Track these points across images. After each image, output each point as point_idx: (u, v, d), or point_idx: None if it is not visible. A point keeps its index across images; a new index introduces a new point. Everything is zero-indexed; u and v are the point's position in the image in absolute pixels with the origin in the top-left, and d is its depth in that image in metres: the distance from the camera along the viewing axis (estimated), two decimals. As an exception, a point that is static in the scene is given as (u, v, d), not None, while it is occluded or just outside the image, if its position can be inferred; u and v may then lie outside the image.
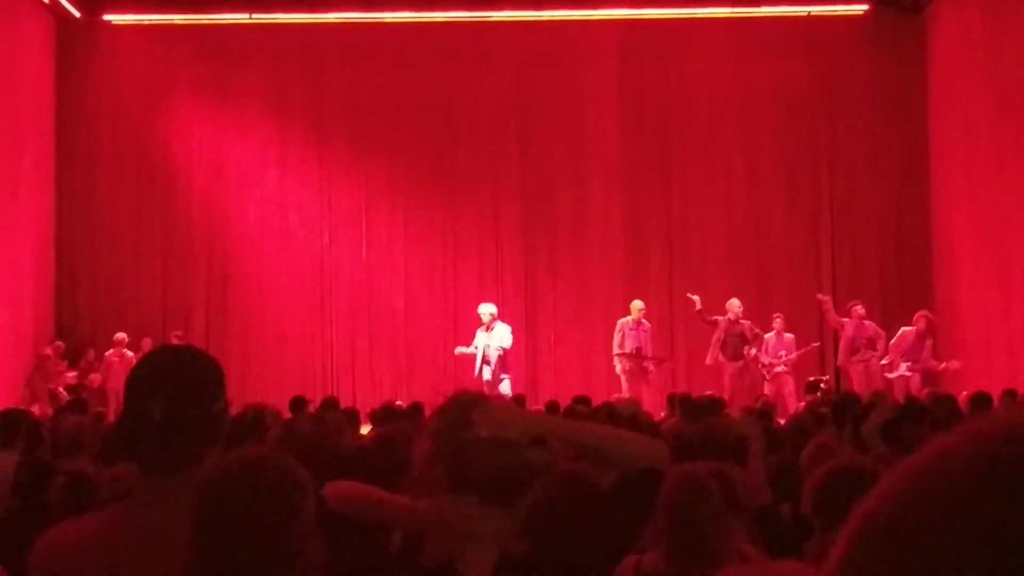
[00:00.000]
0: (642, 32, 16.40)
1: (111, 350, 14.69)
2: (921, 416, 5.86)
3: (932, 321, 13.16)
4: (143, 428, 2.09)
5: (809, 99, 16.38)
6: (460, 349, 14.14)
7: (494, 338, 13.66)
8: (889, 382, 12.92)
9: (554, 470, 2.21)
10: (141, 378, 2.15)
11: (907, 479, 0.67)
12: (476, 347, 13.72)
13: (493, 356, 13.65)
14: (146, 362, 2.23)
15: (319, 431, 6.57)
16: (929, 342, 13.11)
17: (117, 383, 14.34)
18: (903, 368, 12.98)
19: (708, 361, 14.08)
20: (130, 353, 14.62)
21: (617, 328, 14.14)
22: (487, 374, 13.47)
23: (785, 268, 16.13)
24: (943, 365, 13.13)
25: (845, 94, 16.29)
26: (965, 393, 9.58)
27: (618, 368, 14.09)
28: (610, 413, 8.05)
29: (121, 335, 14.74)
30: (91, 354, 15.17)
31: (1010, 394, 9.34)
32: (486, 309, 13.89)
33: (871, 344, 13.50)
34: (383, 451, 4.80)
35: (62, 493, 4.85)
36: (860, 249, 16.21)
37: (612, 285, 16.06)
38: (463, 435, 2.05)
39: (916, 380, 12.93)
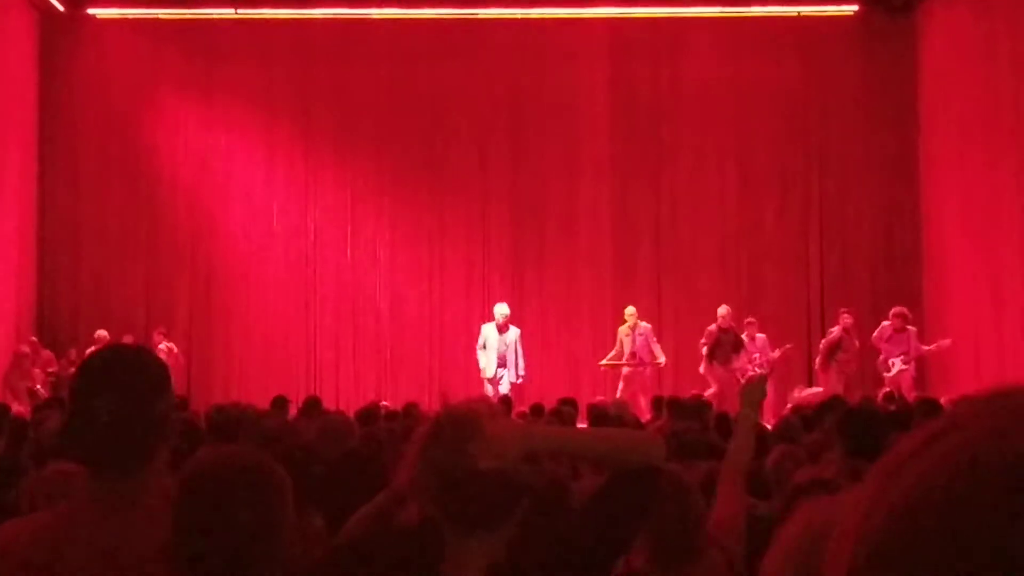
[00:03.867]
0: (632, 31, 16.31)
1: (92, 348, 14.52)
2: (889, 425, 5.74)
3: (907, 314, 13.37)
4: (88, 428, 2.08)
5: (800, 99, 16.31)
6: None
7: (510, 341, 13.83)
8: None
9: (537, 486, 2.14)
10: (85, 378, 2.15)
11: (895, 496, 0.60)
12: (484, 345, 13.87)
13: (511, 360, 13.81)
14: (90, 362, 2.25)
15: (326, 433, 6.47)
16: (912, 330, 13.28)
17: None
18: (898, 364, 13.08)
19: (702, 370, 14.03)
20: None
21: (618, 339, 14.23)
22: (505, 376, 13.75)
23: (775, 269, 16.07)
24: (933, 346, 13.27)
25: (836, 94, 16.23)
26: (945, 398, 9.47)
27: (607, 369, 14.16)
28: (600, 415, 7.94)
29: (102, 332, 14.57)
30: (73, 353, 14.99)
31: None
32: (501, 310, 13.97)
33: (854, 355, 13.69)
34: (377, 453, 4.72)
35: (30, 492, 4.73)
36: (850, 250, 16.14)
37: (600, 285, 15.97)
38: (456, 464, 1.97)
39: (908, 379, 12.98)
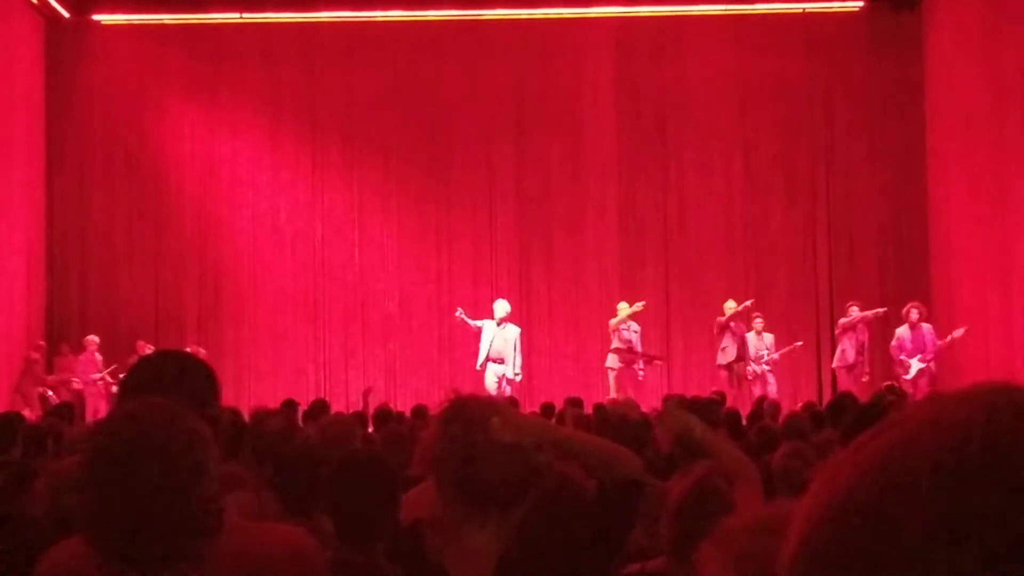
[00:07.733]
0: (637, 29, 16.30)
1: (83, 353, 14.68)
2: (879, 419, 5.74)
3: (921, 310, 13.23)
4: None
5: (806, 96, 16.29)
6: (462, 315, 14.15)
7: (508, 337, 13.76)
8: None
9: (548, 474, 2.23)
10: (139, 380, 2.12)
11: (856, 475, 0.60)
12: (479, 325, 13.86)
13: (509, 356, 13.74)
14: (141, 365, 2.21)
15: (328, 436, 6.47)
16: (927, 327, 13.15)
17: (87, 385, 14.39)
18: (916, 364, 12.96)
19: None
20: (99, 357, 14.57)
21: (611, 328, 14.10)
22: (496, 370, 13.66)
23: (782, 265, 16.05)
24: (948, 339, 13.15)
25: (842, 90, 16.21)
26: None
27: (610, 362, 14.05)
28: (602, 417, 7.92)
29: (92, 337, 14.72)
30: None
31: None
32: (503, 307, 13.95)
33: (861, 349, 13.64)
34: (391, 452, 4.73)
35: (43, 497, 4.73)
36: (858, 246, 16.12)
37: (608, 284, 15.96)
38: (475, 439, 2.04)
39: (928, 377, 12.87)
